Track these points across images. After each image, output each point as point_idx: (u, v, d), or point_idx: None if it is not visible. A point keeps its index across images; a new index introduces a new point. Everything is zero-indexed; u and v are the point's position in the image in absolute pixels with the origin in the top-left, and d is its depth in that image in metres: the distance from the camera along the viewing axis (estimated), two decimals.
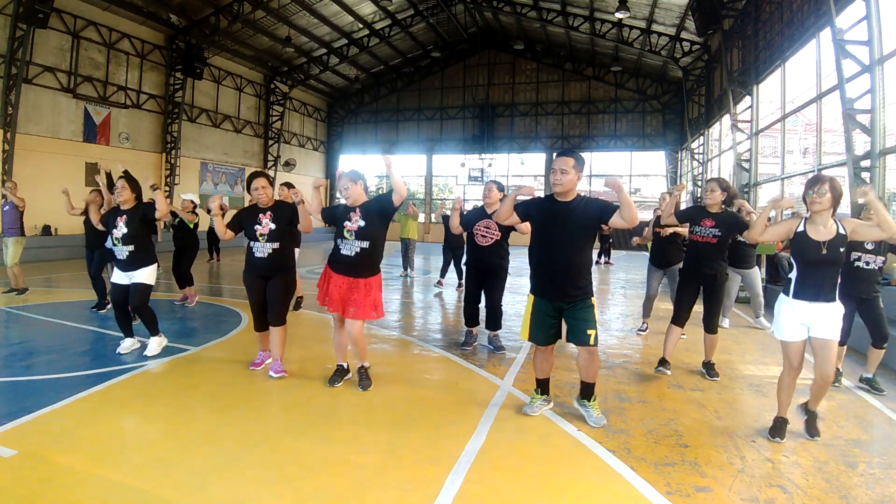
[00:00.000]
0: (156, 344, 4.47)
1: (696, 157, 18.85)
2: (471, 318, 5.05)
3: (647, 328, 5.93)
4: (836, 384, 4.01)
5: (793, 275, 3.09)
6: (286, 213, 3.95)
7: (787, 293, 3.11)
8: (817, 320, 2.98)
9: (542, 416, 3.32)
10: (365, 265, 3.60)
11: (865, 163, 7.25)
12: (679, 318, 4.34)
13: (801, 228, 3.05)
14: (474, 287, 4.97)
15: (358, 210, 3.64)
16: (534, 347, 3.39)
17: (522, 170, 24.26)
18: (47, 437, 2.85)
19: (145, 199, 4.54)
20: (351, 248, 3.60)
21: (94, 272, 6.29)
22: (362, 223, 3.59)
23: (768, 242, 3.28)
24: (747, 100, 12.54)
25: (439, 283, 9.27)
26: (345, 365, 3.93)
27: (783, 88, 10.93)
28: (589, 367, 3.24)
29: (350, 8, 17.77)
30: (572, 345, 3.27)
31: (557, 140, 22.97)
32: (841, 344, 4.02)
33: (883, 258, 3.98)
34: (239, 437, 2.93)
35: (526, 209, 3.31)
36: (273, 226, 3.90)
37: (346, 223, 3.63)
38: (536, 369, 3.39)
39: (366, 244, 3.58)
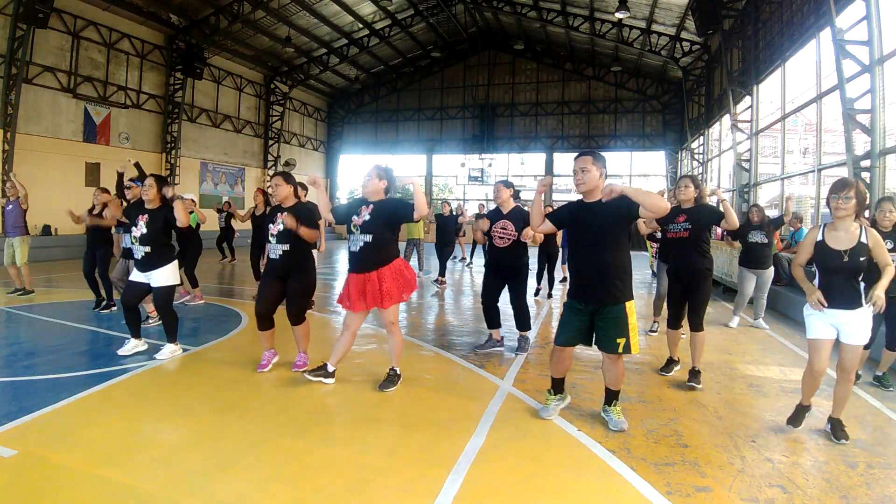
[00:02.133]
0: (169, 351, 4.41)
1: (696, 157, 18.85)
2: (491, 320, 4.93)
3: (658, 328, 5.88)
4: (892, 388, 4.00)
5: (815, 282, 3.07)
6: (299, 215, 3.93)
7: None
8: (847, 326, 2.97)
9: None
10: (371, 258, 3.60)
11: (865, 163, 7.25)
12: (672, 321, 4.30)
13: (819, 237, 3.02)
14: (493, 288, 4.88)
15: (371, 206, 3.65)
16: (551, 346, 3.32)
17: (522, 170, 24.25)
18: (47, 437, 2.85)
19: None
20: (356, 242, 3.62)
21: (101, 271, 6.28)
22: (368, 217, 3.60)
23: (804, 266, 3.21)
24: (747, 100, 12.54)
25: (441, 281, 9.40)
26: (330, 368, 3.78)
27: (783, 88, 10.93)
28: (610, 372, 3.16)
29: (350, 8, 17.76)
30: (580, 345, 3.23)
31: (557, 140, 22.96)
32: (865, 347, 3.94)
33: None
34: (239, 437, 2.93)
35: (558, 216, 3.28)
36: (282, 228, 3.90)
37: (355, 217, 3.65)
38: (552, 368, 3.32)
39: (369, 237, 3.58)
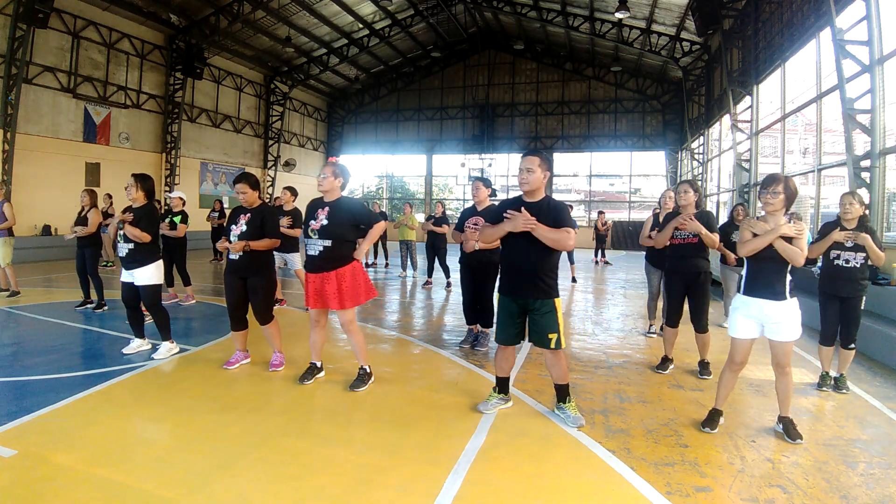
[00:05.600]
0: (165, 349, 4.44)
1: (696, 157, 18.85)
2: (470, 316, 5.11)
3: (655, 330, 5.86)
4: (845, 391, 3.98)
5: (744, 272, 3.19)
6: (258, 218, 3.95)
7: (739, 290, 3.20)
8: (771, 320, 3.03)
9: (542, 416, 3.32)
10: (331, 259, 3.64)
11: (865, 163, 7.24)
12: (671, 319, 4.42)
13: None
14: (469, 285, 5.04)
15: (327, 208, 3.68)
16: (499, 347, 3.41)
17: None
18: (47, 437, 2.85)
19: None
20: (315, 246, 3.66)
21: (90, 270, 6.34)
22: (325, 222, 3.63)
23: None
24: (747, 100, 12.54)
25: (427, 282, 9.40)
26: (318, 363, 3.95)
27: (783, 88, 10.93)
28: (555, 368, 3.26)
29: (350, 8, 17.76)
30: (572, 343, 3.28)
31: (557, 140, 22.97)
32: (827, 345, 4.08)
33: (864, 255, 3.90)
34: (239, 437, 2.93)
35: (498, 215, 3.34)
36: (245, 228, 3.92)
37: (312, 222, 3.68)
38: (496, 367, 3.44)
39: (328, 242, 3.62)
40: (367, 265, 12.25)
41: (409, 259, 10.77)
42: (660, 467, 2.68)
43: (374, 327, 5.89)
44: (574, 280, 10.37)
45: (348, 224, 3.68)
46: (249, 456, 2.71)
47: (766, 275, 3.03)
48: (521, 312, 3.22)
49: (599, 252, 15.00)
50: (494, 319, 3.39)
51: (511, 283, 3.22)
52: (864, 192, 7.21)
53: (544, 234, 3.01)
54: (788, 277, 3.03)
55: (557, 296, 3.19)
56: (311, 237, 3.68)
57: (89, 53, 14.37)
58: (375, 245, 12.84)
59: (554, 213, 3.12)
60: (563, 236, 3.02)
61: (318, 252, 3.64)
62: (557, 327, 3.14)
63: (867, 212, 4.03)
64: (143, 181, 4.49)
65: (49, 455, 2.65)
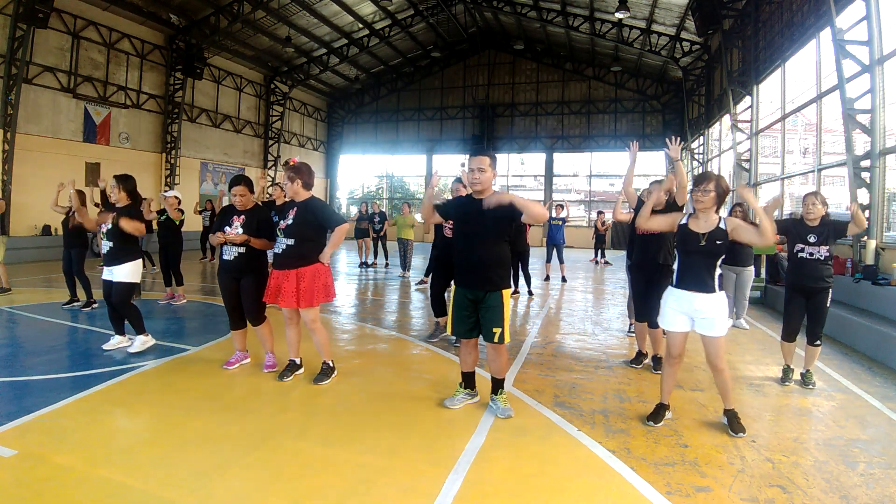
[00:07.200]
0: (140, 342, 4.48)
1: (696, 157, 18.86)
2: (439, 309, 5.24)
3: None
4: (811, 386, 4.03)
5: (675, 265, 3.25)
6: (254, 220, 3.96)
7: (671, 284, 3.26)
8: (701, 314, 3.10)
9: (542, 416, 3.32)
10: (292, 257, 3.70)
11: (865, 163, 7.24)
12: (640, 314, 4.50)
13: (683, 221, 3.24)
14: (442, 279, 5.16)
15: (296, 208, 3.74)
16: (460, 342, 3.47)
17: (522, 170, 24.25)
18: (47, 437, 2.85)
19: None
20: (280, 245, 3.74)
21: (76, 269, 6.43)
22: (291, 221, 3.70)
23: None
24: (747, 100, 12.54)
25: (422, 281, 9.39)
26: (297, 360, 4.00)
27: (783, 88, 10.93)
28: (494, 362, 3.33)
29: (350, 8, 17.76)
30: (571, 343, 3.28)
31: (557, 140, 22.97)
32: (789, 340, 4.15)
33: (827, 247, 3.93)
34: (238, 437, 2.93)
35: (446, 209, 3.48)
36: (241, 230, 3.92)
37: (281, 221, 3.76)
38: (461, 362, 3.50)
39: (291, 241, 3.69)
40: (366, 265, 12.25)
41: (405, 258, 10.78)
42: (660, 467, 2.68)
43: (374, 327, 5.89)
44: (564, 280, 10.32)
45: (312, 224, 3.73)
46: (249, 456, 2.71)
47: (695, 269, 3.12)
48: (472, 306, 3.28)
49: (599, 252, 15.01)
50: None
51: (463, 276, 3.30)
52: (863, 192, 7.22)
53: (522, 205, 3.08)
54: (718, 272, 3.12)
55: (508, 287, 3.25)
56: (278, 235, 3.76)
57: (89, 53, 14.37)
58: (375, 245, 12.84)
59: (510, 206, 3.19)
60: (536, 206, 3.12)
61: (282, 250, 3.72)
62: (502, 322, 3.20)
63: (829, 212, 4.11)
64: (124, 182, 4.54)
65: (49, 455, 2.65)
